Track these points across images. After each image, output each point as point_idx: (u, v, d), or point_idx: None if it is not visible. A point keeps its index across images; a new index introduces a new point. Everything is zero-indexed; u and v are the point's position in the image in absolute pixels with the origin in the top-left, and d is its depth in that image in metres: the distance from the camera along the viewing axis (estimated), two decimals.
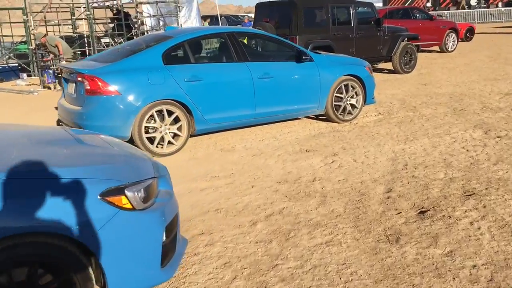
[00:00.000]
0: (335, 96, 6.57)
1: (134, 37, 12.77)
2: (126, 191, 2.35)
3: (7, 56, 13.35)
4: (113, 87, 5.16)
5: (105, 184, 2.30)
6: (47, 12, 14.50)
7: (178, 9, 13.65)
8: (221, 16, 22.52)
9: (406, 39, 11.28)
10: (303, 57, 6.20)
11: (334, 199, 4.03)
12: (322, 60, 6.50)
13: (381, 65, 12.11)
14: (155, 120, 5.38)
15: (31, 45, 12.67)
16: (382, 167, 4.79)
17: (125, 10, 14.47)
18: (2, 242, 2.04)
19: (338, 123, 6.69)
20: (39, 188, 2.15)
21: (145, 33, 13.48)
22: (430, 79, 10.39)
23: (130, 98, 5.21)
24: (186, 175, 4.82)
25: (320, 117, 6.95)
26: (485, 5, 35.41)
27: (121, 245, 2.31)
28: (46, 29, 14.94)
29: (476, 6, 35.49)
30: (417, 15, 15.31)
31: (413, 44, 11.51)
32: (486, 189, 4.09)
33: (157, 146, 5.47)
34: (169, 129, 5.46)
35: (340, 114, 6.66)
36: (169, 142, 5.49)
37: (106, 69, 5.30)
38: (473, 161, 4.82)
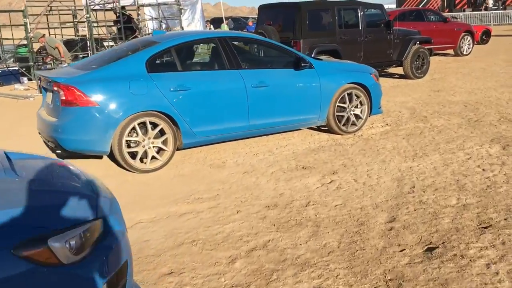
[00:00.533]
0: (338, 106, 6.04)
1: None
2: (50, 242, 1.87)
3: (8, 60, 13.05)
4: (90, 98, 4.70)
5: (21, 233, 1.83)
6: (49, 14, 14.22)
7: (181, 12, 13.21)
8: (226, 18, 22.06)
9: (418, 42, 10.68)
10: (302, 64, 5.68)
11: (328, 230, 3.51)
12: (323, 66, 5.97)
13: (392, 70, 11.52)
14: (137, 134, 4.92)
15: (32, 48, 12.36)
16: (386, 189, 4.26)
17: (128, 13, 14.10)
18: None
19: (341, 135, 6.16)
20: None
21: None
22: (443, 85, 9.79)
23: (110, 109, 4.75)
24: (167, 195, 4.34)
25: (322, 128, 6.42)
26: (502, 7, 34.41)
27: None
28: (49, 32, 14.68)
29: (493, 7, 34.50)
30: (431, 17, 14.66)
31: (426, 47, 10.90)
32: (505, 219, 3.54)
33: (142, 161, 5.02)
34: (153, 143, 4.99)
35: (343, 126, 6.13)
36: (153, 157, 5.03)
37: (84, 77, 4.85)
38: (489, 183, 4.26)
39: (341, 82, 6.00)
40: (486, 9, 34.09)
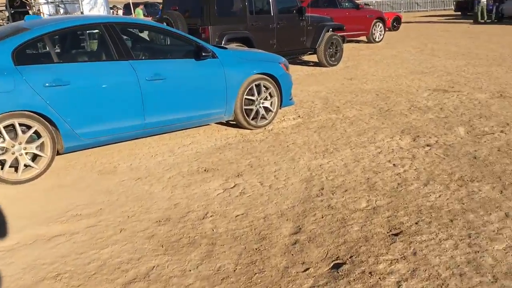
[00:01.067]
0: (246, 98, 5.56)
1: None
2: None
3: None
4: None
5: None
6: None
7: None
8: (141, 3, 20.82)
9: (331, 29, 10.50)
10: (203, 53, 5.10)
11: (225, 249, 3.03)
12: (228, 56, 5.45)
13: (306, 58, 11.31)
14: (3, 139, 4.11)
15: None
16: (293, 192, 3.85)
17: None
18: None
19: (251, 130, 5.70)
20: None
21: None
22: (356, 72, 9.69)
23: None
24: (38, 213, 3.62)
25: (231, 122, 5.93)
26: None
27: None
28: None
29: None
30: (344, 4, 14.66)
31: (339, 34, 10.76)
32: (416, 223, 3.26)
33: (16, 170, 4.22)
34: (25, 148, 4.21)
35: (252, 120, 5.67)
36: (27, 166, 4.24)
37: None
38: (400, 181, 4.01)
39: (248, 73, 5.51)
40: None
